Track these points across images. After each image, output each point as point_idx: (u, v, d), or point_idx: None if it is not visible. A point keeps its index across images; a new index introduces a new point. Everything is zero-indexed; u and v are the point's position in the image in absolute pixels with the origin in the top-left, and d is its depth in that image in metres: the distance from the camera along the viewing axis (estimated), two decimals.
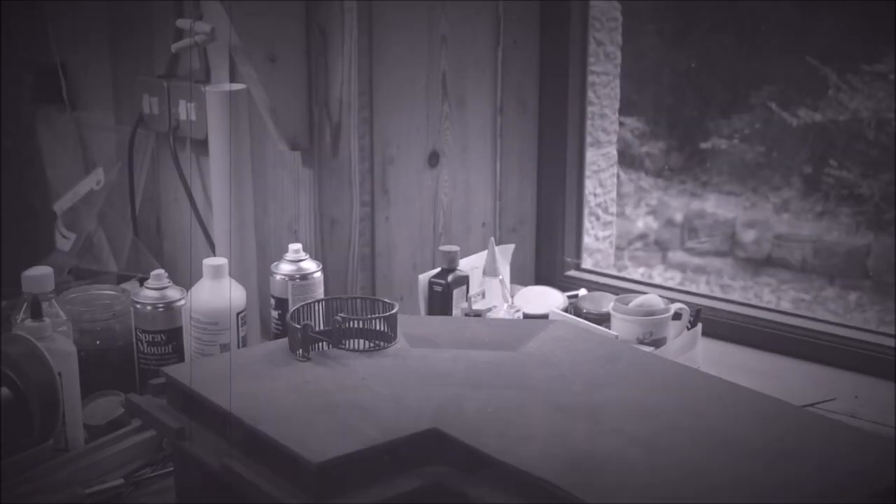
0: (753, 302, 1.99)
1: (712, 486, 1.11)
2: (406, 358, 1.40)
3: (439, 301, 1.71)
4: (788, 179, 1.95)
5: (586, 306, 1.81)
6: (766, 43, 1.99)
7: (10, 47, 2.17)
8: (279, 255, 1.75)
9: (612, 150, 2.18)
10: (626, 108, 2.17)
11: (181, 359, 1.63)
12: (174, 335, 1.63)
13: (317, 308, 1.48)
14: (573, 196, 2.08)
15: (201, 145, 1.99)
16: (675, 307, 1.76)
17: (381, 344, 1.43)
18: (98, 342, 1.70)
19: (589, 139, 2.10)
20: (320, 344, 1.42)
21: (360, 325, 1.43)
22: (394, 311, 1.45)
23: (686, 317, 1.76)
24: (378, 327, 1.43)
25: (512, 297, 1.83)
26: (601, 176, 2.16)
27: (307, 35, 1.84)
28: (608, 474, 1.13)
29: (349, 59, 1.79)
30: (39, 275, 1.56)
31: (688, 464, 1.15)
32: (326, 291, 1.75)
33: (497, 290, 1.79)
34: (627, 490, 1.10)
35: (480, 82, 1.94)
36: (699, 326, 1.75)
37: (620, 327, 1.73)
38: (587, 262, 2.12)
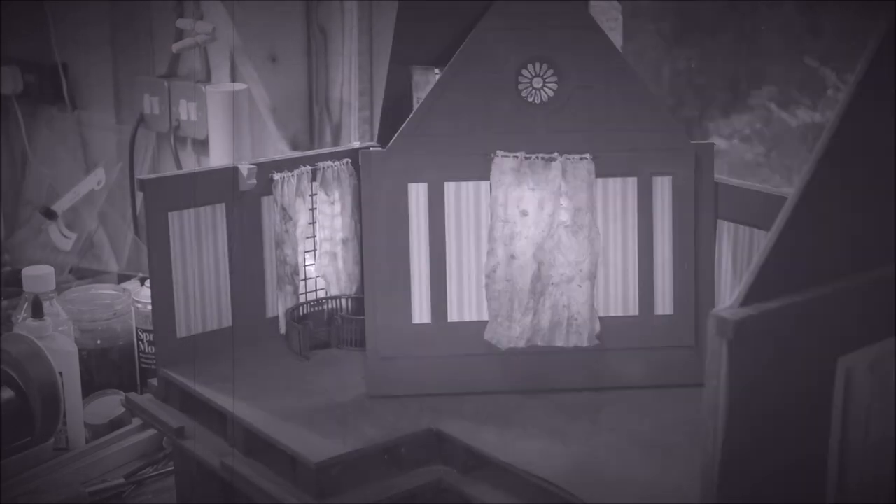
0: None
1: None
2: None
3: None
4: (788, 179, 1.95)
5: None
6: (766, 43, 1.99)
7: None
8: None
9: None
10: None
11: None
12: None
13: (317, 307, 1.48)
14: None
15: (202, 145, 1.99)
16: None
17: None
18: (99, 341, 1.71)
19: None
20: (320, 343, 1.42)
21: (360, 324, 1.43)
22: None
23: None
24: None
25: None
26: None
27: (308, 35, 1.85)
28: (608, 474, 1.13)
29: (349, 58, 1.79)
30: (40, 274, 1.56)
31: (688, 464, 1.15)
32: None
33: None
34: (627, 490, 1.10)
35: None
36: None
37: None
38: None
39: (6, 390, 1.43)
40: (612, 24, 2.13)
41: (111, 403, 1.61)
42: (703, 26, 2.08)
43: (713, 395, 0.89)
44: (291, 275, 1.44)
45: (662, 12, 2.13)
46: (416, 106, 1.51)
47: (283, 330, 1.44)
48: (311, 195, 1.46)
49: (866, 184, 0.95)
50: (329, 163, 1.46)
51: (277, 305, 1.45)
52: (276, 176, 1.42)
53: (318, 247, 1.48)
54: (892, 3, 0.89)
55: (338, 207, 1.48)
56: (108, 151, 2.33)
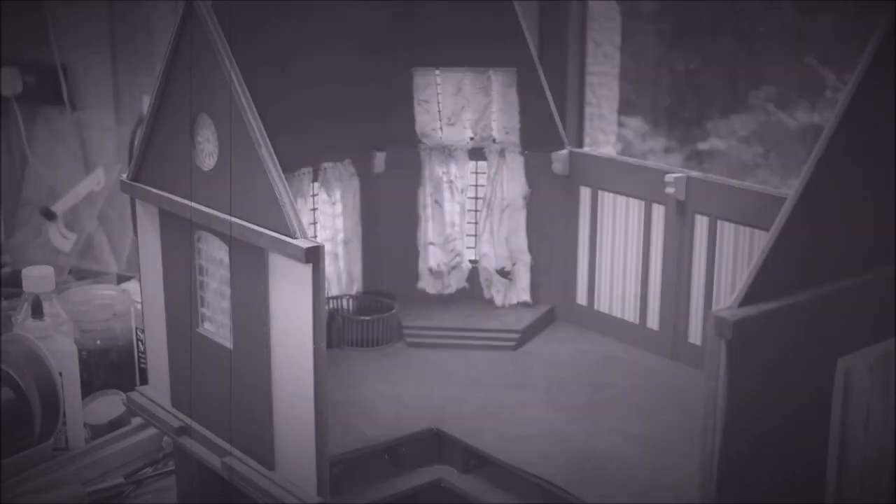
0: None
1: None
2: (406, 357, 1.41)
3: None
4: (786, 180, 1.96)
5: None
6: (764, 44, 2.00)
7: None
8: None
9: (611, 151, 2.18)
10: (624, 109, 2.18)
11: None
12: None
13: None
14: None
15: None
16: None
17: (381, 342, 1.44)
18: (98, 342, 1.71)
19: (588, 140, 2.10)
20: None
21: (360, 324, 1.44)
22: (393, 310, 1.46)
23: None
24: (378, 326, 1.44)
25: None
26: None
27: None
28: (608, 474, 1.13)
29: None
30: (40, 275, 1.56)
31: (688, 464, 1.15)
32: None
33: None
34: (627, 490, 1.11)
35: None
36: None
37: None
38: None
39: (6, 391, 1.43)
40: (610, 25, 2.13)
41: (111, 403, 1.61)
42: (702, 27, 2.09)
43: (712, 395, 0.90)
44: None
45: (661, 13, 2.14)
46: (416, 107, 1.51)
47: None
48: (313, 195, 1.46)
49: (866, 184, 0.96)
50: (330, 163, 1.46)
51: None
52: None
53: None
54: (892, 3, 0.90)
55: (339, 208, 1.48)
56: (107, 152, 2.33)
